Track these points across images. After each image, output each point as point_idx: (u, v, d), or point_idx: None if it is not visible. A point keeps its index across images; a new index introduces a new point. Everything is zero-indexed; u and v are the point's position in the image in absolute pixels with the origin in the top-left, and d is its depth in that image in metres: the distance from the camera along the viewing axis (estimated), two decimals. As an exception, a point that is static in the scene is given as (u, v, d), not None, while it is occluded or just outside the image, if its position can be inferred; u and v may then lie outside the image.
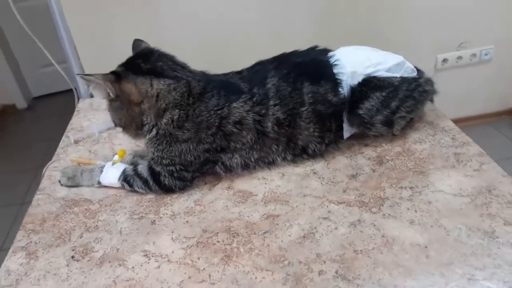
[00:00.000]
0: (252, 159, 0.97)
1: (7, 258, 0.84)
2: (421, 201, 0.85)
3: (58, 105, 3.15)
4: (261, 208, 0.88)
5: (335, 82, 0.98)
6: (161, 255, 0.80)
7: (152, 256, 0.80)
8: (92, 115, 1.33)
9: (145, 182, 0.95)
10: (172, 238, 0.84)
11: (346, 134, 1.03)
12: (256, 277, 0.74)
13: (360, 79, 1.00)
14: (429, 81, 1.07)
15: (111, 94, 0.90)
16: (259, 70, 1.01)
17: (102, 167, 1.00)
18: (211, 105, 0.93)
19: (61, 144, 1.19)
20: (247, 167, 0.98)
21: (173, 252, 0.81)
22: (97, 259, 0.81)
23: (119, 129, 0.98)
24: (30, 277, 0.79)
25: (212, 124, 0.93)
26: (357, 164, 0.98)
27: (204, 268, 0.76)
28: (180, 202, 0.93)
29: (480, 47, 2.22)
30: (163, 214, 0.90)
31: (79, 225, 0.90)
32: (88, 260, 0.81)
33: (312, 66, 1.00)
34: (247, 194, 0.93)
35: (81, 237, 0.87)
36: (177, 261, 0.79)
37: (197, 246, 0.81)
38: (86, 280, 0.77)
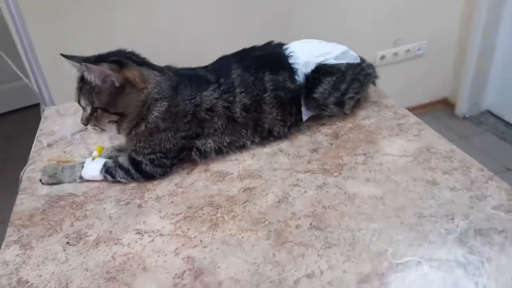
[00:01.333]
0: (225, 144, 1.07)
1: (1, 252, 0.88)
2: (374, 163, 1.00)
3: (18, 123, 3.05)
4: (238, 184, 0.99)
5: (292, 71, 1.12)
6: (153, 231, 0.88)
7: (145, 232, 0.88)
8: (61, 120, 1.37)
9: (127, 171, 1.02)
10: (160, 217, 0.92)
11: (304, 117, 1.16)
12: (242, 237, 0.84)
13: (312, 67, 1.14)
14: (371, 66, 1.23)
15: (116, 83, 0.96)
16: (223, 64, 1.12)
17: (83, 163, 1.06)
18: (185, 95, 1.03)
19: (34, 148, 1.22)
20: (220, 152, 1.08)
21: (163, 227, 0.89)
22: (92, 241, 0.87)
23: (92, 129, 1.03)
24: (28, 264, 0.84)
25: (188, 112, 1.02)
26: (316, 140, 1.11)
27: (194, 236, 0.85)
28: (162, 187, 1.01)
29: (413, 43, 2.48)
30: (148, 198, 0.98)
31: (68, 216, 0.95)
32: (84, 244, 0.87)
33: (270, 58, 1.13)
34: (224, 174, 1.03)
35: (72, 226, 0.92)
36: (168, 234, 0.87)
37: (185, 220, 0.90)
38: (85, 260, 0.83)
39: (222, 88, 1.06)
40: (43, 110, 1.45)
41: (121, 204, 0.97)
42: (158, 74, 1.02)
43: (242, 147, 1.10)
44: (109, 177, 1.03)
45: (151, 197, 0.98)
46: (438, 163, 0.97)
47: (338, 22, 2.24)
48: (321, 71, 1.14)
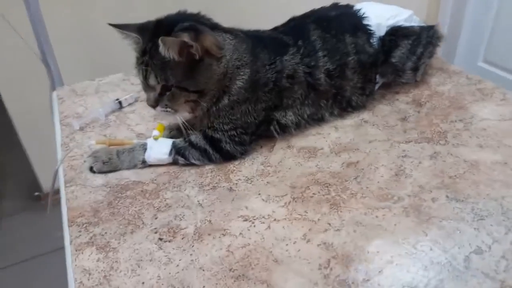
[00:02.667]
0: (305, 116, 0.94)
1: (74, 258, 0.69)
2: (476, 129, 0.92)
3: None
4: (336, 159, 0.87)
5: (369, 33, 1.01)
6: (263, 216, 0.74)
7: (254, 219, 0.74)
8: (83, 101, 1.15)
9: (203, 152, 0.86)
10: (263, 199, 0.78)
11: (377, 85, 1.06)
12: (376, 216, 0.72)
13: (383, 30, 1.04)
14: (439, 29, 1.15)
15: (197, 55, 0.79)
16: (297, 25, 0.99)
17: (144, 144, 0.88)
18: (264, 60, 0.88)
19: (62, 133, 1.01)
20: (299, 126, 0.95)
21: (273, 211, 0.75)
22: (192, 234, 0.71)
23: (162, 111, 0.85)
24: (120, 270, 0.66)
25: (269, 80, 0.88)
26: (400, 109, 1.01)
27: (318, 219, 0.73)
28: (247, 167, 0.87)
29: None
30: (237, 180, 0.83)
31: (145, 207, 0.78)
32: (182, 238, 0.71)
33: (347, 18, 1.01)
34: (312, 149, 0.90)
35: (156, 218, 0.75)
36: (284, 219, 0.73)
37: (295, 202, 0.77)
38: (193, 257, 0.67)
39: (301, 51, 0.92)
40: (53, 91, 1.21)
41: (207, 189, 0.81)
42: (231, 38, 0.86)
43: (320, 120, 0.98)
44: (181, 160, 0.87)
45: (240, 179, 0.83)
46: (541, 125, 0.92)
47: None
48: (397, 33, 1.04)
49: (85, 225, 0.75)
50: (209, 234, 0.71)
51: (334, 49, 0.95)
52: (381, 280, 0.61)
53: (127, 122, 1.04)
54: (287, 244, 0.68)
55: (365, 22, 1.01)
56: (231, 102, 0.85)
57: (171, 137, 0.92)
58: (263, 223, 0.73)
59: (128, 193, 0.82)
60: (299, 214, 0.74)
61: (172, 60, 0.78)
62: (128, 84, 1.22)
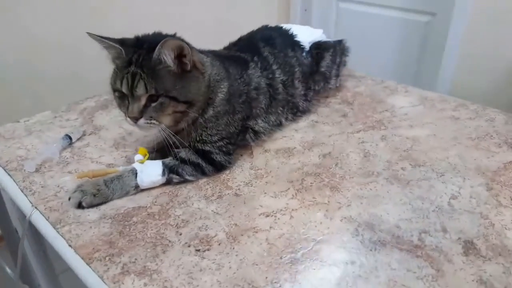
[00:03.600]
0: (270, 122, 1.04)
1: (114, 290, 0.64)
2: (400, 114, 1.15)
3: None
4: (311, 153, 0.98)
5: (302, 49, 1.17)
6: (281, 210, 0.80)
7: (274, 213, 0.79)
8: (18, 143, 1.02)
9: (196, 166, 0.88)
10: (271, 196, 0.84)
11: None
12: (370, 189, 0.86)
13: (308, 46, 1.22)
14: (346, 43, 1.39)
15: (189, 64, 0.80)
16: (248, 43, 1.09)
17: (131, 170, 0.85)
18: (235, 75, 0.96)
19: (15, 179, 0.89)
20: (267, 132, 1.04)
21: (287, 203, 0.82)
22: (226, 239, 0.74)
23: (145, 123, 0.83)
24: (176, 287, 0.65)
25: (242, 92, 0.96)
26: (336, 109, 1.19)
27: (328, 201, 0.82)
28: (238, 174, 0.91)
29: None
30: (237, 186, 0.87)
31: (162, 227, 0.76)
32: (219, 244, 0.73)
33: (284, 37, 1.16)
34: (287, 150, 1.00)
35: (180, 234, 0.75)
36: (300, 207, 0.81)
37: (300, 192, 0.85)
38: (240, 256, 0.70)
39: (259, 65, 1.03)
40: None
41: (213, 199, 0.83)
42: (206, 56, 0.92)
43: (279, 125, 1.08)
44: (175, 178, 0.87)
45: (239, 185, 0.88)
46: (434, 103, 1.20)
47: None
48: (320, 47, 1.23)
49: (107, 258, 0.69)
50: (241, 235, 0.74)
51: (284, 63, 1.08)
52: (399, 232, 0.74)
53: (87, 155, 0.98)
54: (315, 226, 0.76)
55: (296, 39, 1.17)
56: (216, 113, 0.89)
57: (153, 159, 0.91)
58: (284, 214, 0.79)
59: (135, 219, 0.78)
60: (310, 201, 0.82)
61: (164, 68, 0.81)
62: (63, 120, 1.13)
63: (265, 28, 1.18)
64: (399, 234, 0.74)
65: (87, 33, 0.81)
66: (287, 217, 0.78)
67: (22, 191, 0.86)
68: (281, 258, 0.69)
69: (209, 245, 0.72)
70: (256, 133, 1.00)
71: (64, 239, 0.74)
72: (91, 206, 0.81)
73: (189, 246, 0.72)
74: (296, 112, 1.13)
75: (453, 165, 0.93)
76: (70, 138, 1.01)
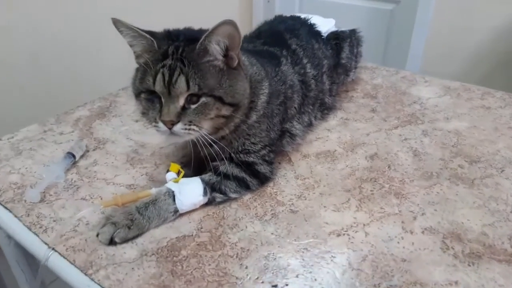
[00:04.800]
0: (304, 123, 0.93)
1: None
2: (431, 106, 1.08)
3: None
4: (356, 156, 0.88)
5: (323, 40, 1.07)
6: (351, 226, 0.70)
7: (345, 232, 0.69)
8: (8, 166, 0.84)
9: (240, 181, 0.76)
10: (333, 210, 0.73)
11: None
12: (437, 192, 0.77)
13: (324, 36, 1.12)
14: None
15: (236, 60, 0.67)
16: (272, 36, 0.96)
17: (168, 192, 0.71)
18: (271, 73, 0.84)
19: (17, 214, 0.72)
20: (301, 134, 0.93)
21: (355, 218, 0.72)
22: (301, 267, 0.62)
23: (182, 130, 0.68)
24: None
25: (280, 92, 0.84)
26: (362, 104, 1.10)
27: (400, 210, 0.73)
28: (285, 185, 0.80)
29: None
30: (288, 200, 0.76)
31: (220, 260, 0.63)
32: (297, 276, 0.61)
33: (306, 27, 1.04)
34: (328, 153, 0.90)
35: (246, 268, 0.62)
36: (372, 220, 0.71)
37: (364, 202, 0.75)
38: (338, 283, 0.59)
39: (290, 61, 0.91)
40: None
41: (268, 219, 0.71)
42: (242, 53, 0.79)
43: (310, 125, 0.98)
44: (218, 197, 0.74)
45: (291, 199, 0.76)
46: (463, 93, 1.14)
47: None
48: (338, 37, 1.13)
49: (169, 307, 0.56)
50: (318, 262, 0.63)
51: (313, 56, 0.97)
52: (489, 240, 0.66)
53: (99, 176, 0.82)
54: (398, 242, 0.66)
55: (318, 29, 1.06)
56: (258, 117, 0.77)
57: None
58: (357, 231, 0.69)
59: (184, 252, 0.65)
60: (379, 212, 0.72)
61: (209, 62, 0.68)
62: (56, 135, 0.96)
63: (283, 18, 1.06)
64: (489, 242, 0.66)
65: (113, 19, 0.65)
66: (361, 235, 0.68)
67: (29, 229, 0.69)
68: (375, 286, 0.59)
69: (286, 278, 0.60)
70: (293, 137, 0.89)
71: (108, 285, 0.59)
72: (126, 240, 0.66)
73: (262, 282, 0.60)
74: (323, 109, 1.02)
75: (507, 158, 0.86)
76: (74, 156, 0.84)
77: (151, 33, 0.70)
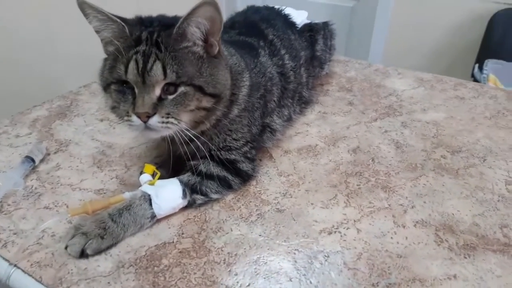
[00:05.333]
0: (284, 117, 0.89)
1: None
2: (406, 98, 1.07)
3: None
4: (338, 150, 0.85)
5: (298, 31, 1.03)
6: (342, 223, 0.66)
7: (336, 229, 0.65)
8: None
9: (222, 180, 0.70)
10: (322, 208, 0.70)
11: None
12: (424, 184, 0.75)
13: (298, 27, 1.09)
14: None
15: (216, 47, 0.61)
16: (248, 26, 0.92)
17: (143, 196, 0.65)
18: (250, 64, 0.79)
19: (-32, 227, 0.63)
20: (282, 128, 0.89)
21: (344, 214, 0.68)
22: (295, 270, 0.58)
23: (159, 123, 0.61)
24: None
25: (260, 85, 0.79)
26: (338, 97, 1.07)
27: (389, 204, 0.71)
28: (268, 183, 0.75)
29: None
30: (273, 199, 0.71)
31: (208, 267, 0.58)
32: (290, 280, 0.57)
33: (281, 17, 1.00)
34: (309, 148, 0.86)
35: (236, 274, 0.57)
36: (362, 216, 0.68)
37: (352, 198, 0.72)
38: (334, 284, 0.55)
39: (267, 52, 0.87)
40: None
41: (253, 220, 0.67)
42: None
43: (290, 119, 0.94)
44: (199, 199, 0.68)
45: (277, 197, 0.72)
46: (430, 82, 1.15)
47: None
48: (312, 30, 1.10)
49: (151, 326, 0.50)
50: (310, 263, 0.59)
51: (290, 47, 0.93)
52: (480, 230, 0.65)
53: (63, 181, 0.74)
54: (391, 237, 0.64)
55: (292, 20, 1.03)
56: (240, 111, 0.72)
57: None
58: (349, 228, 0.65)
59: (165, 261, 0.59)
60: (368, 207, 0.70)
61: (188, 48, 0.62)
62: (11, 137, 0.87)
63: (257, 8, 1.01)
64: (481, 233, 0.65)
65: (78, 0, 0.58)
66: (353, 232, 0.65)
67: (-15, 244, 0.60)
68: (373, 285, 0.56)
69: (279, 283, 0.56)
70: (273, 132, 0.85)
71: (77, 307, 0.52)
72: (99, 252, 0.59)
73: (257, 290, 0.55)
74: (301, 103, 0.99)
75: (487, 147, 0.86)
76: (33, 161, 0.76)
77: (121, 18, 0.63)
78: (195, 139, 0.66)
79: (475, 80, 1.62)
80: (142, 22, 0.63)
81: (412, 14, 2.10)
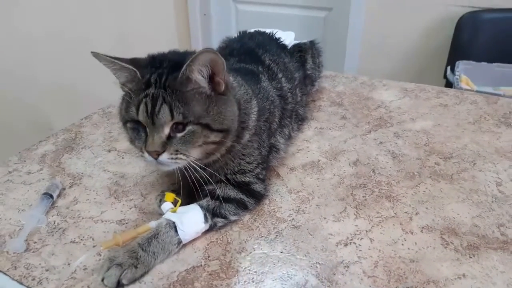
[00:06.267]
0: (285, 136, 0.94)
1: None
2: (395, 108, 1.14)
3: None
4: (340, 164, 0.91)
5: (289, 53, 1.09)
6: (355, 234, 0.71)
7: (351, 240, 0.70)
8: (-22, 217, 0.76)
9: (239, 202, 0.75)
10: (334, 221, 0.75)
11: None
12: (423, 191, 0.82)
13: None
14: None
15: (223, 84, 0.65)
16: (245, 53, 0.97)
17: (168, 224, 0.68)
18: (255, 90, 0.84)
19: (2, 267, 0.65)
20: (285, 147, 0.94)
21: (356, 225, 0.74)
22: (320, 283, 0.62)
23: (169, 159, 0.66)
24: None
25: (265, 109, 0.84)
26: (331, 112, 1.13)
27: (395, 213, 0.76)
28: (281, 201, 0.80)
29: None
30: (288, 216, 0.76)
31: (236, 287, 0.62)
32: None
33: (273, 42, 1.06)
34: (313, 164, 0.91)
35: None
36: (372, 226, 0.73)
37: (360, 209, 0.77)
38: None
39: (266, 76, 0.92)
40: None
41: (273, 238, 0.71)
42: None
43: (289, 138, 0.99)
44: (219, 221, 0.72)
45: (291, 214, 0.76)
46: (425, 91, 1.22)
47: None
48: (301, 50, 1.16)
49: None
50: (334, 274, 0.64)
51: (285, 69, 0.99)
52: (480, 231, 0.71)
53: (83, 215, 0.77)
54: (402, 244, 0.69)
55: (283, 43, 1.09)
56: (251, 136, 0.77)
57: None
58: (362, 238, 0.70)
59: (198, 285, 0.62)
60: (377, 217, 0.75)
61: (193, 90, 0.66)
62: (23, 174, 0.88)
63: (252, 34, 1.07)
64: (481, 233, 0.71)
65: (92, 52, 0.62)
66: (367, 241, 0.70)
67: (20, 283, 0.62)
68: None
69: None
70: (277, 151, 0.90)
71: (121, 336, 0.55)
72: (134, 280, 0.62)
73: (287, 303, 0.59)
74: (298, 120, 1.04)
75: (475, 152, 0.93)
76: (52, 197, 0.78)
77: (134, 61, 0.67)
78: (206, 167, 0.70)
79: (448, 82, 1.71)
80: (153, 63, 0.67)
81: (384, 21, 2.20)
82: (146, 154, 0.66)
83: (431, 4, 2.03)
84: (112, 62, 0.65)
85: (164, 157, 0.66)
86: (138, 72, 0.66)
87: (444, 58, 2.00)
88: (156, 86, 0.65)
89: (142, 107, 0.65)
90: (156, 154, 0.65)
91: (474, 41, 1.97)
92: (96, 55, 0.64)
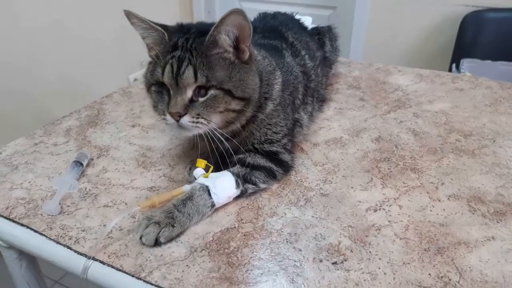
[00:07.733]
0: (308, 113, 0.96)
1: None
2: (412, 91, 1.15)
3: None
4: (363, 140, 0.92)
5: (310, 34, 1.11)
6: (383, 201, 0.73)
7: (380, 207, 0.72)
8: (7, 183, 0.76)
9: (268, 171, 0.76)
10: (361, 190, 0.76)
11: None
12: (447, 164, 0.83)
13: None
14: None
15: (247, 52, 0.67)
16: (269, 30, 0.98)
17: (202, 187, 0.69)
18: (279, 64, 0.85)
19: (39, 229, 0.66)
20: (308, 124, 0.95)
21: (384, 194, 0.75)
22: (353, 244, 0.64)
23: (190, 122, 0.67)
24: (342, 312, 0.53)
25: (289, 82, 0.86)
26: (350, 94, 1.15)
27: (421, 183, 0.77)
28: (307, 173, 0.81)
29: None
30: (315, 185, 0.77)
31: (274, 247, 0.63)
32: (351, 251, 0.62)
33: (294, 22, 1.08)
34: (336, 140, 0.92)
35: (300, 250, 0.63)
36: (400, 194, 0.75)
37: (387, 179, 0.79)
38: (387, 258, 0.61)
39: (290, 53, 0.94)
40: None
41: (303, 204, 0.72)
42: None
43: (311, 116, 1.00)
44: (250, 188, 0.73)
45: (317, 184, 0.78)
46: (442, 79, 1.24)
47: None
48: (319, 33, 1.17)
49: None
50: (366, 236, 0.65)
51: (308, 48, 1.00)
52: (505, 199, 0.72)
53: (114, 182, 0.78)
54: (431, 210, 0.70)
55: (304, 25, 1.10)
56: (275, 106, 0.78)
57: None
58: (391, 205, 0.72)
59: (234, 244, 0.63)
60: (404, 187, 0.76)
61: (219, 54, 0.68)
62: (50, 146, 0.89)
63: (274, 14, 1.08)
64: (507, 201, 0.72)
65: (125, 10, 0.64)
66: (396, 208, 0.71)
67: (57, 242, 0.63)
68: (425, 250, 0.62)
69: (342, 255, 0.61)
70: (301, 126, 0.91)
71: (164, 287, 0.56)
72: (170, 238, 0.63)
73: (321, 261, 0.60)
74: (319, 101, 1.05)
75: (494, 130, 0.95)
76: (82, 165, 0.79)
77: (163, 25, 0.69)
78: (232, 138, 0.72)
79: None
80: (181, 29, 0.69)
81: (388, 20, 2.22)
82: (168, 116, 0.67)
83: (435, 4, 2.05)
84: (143, 21, 0.66)
85: (186, 119, 0.67)
86: (166, 35, 0.67)
87: (448, 58, 2.02)
88: (182, 49, 0.67)
89: (168, 68, 0.66)
90: (178, 116, 0.66)
91: (478, 40, 1.99)
92: (128, 13, 0.66)
